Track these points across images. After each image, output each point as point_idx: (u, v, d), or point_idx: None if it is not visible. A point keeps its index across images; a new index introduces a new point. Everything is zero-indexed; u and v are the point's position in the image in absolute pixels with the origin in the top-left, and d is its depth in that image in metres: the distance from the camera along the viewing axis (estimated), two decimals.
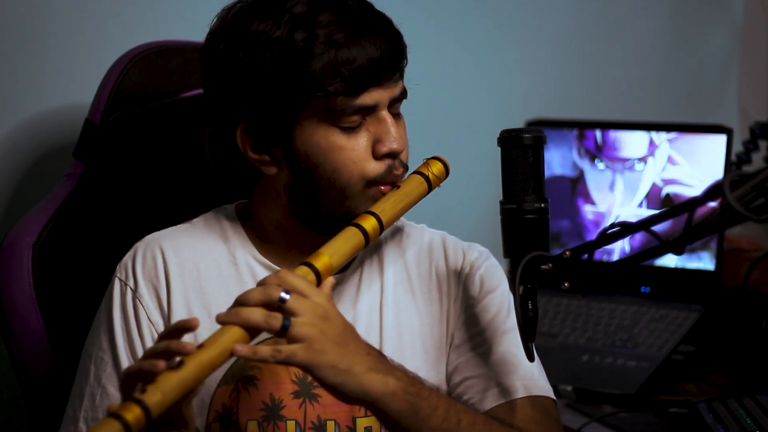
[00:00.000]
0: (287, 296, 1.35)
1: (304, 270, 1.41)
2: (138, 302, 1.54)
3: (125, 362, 1.51)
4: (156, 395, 1.27)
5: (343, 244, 1.46)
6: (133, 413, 1.25)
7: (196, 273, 1.56)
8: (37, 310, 1.67)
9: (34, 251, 1.68)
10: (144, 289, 1.54)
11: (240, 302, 1.36)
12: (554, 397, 1.59)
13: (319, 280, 1.42)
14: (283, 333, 1.34)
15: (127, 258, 1.57)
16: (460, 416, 1.44)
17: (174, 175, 1.79)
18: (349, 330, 1.39)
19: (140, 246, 1.57)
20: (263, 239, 1.58)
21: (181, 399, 1.32)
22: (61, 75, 2.02)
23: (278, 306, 1.35)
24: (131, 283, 1.54)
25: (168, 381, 1.29)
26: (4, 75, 1.96)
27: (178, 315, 1.53)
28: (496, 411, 1.54)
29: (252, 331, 1.34)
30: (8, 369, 1.71)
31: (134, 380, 1.33)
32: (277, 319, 1.34)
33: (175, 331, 1.36)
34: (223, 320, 1.34)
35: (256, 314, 1.34)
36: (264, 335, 1.38)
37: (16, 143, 1.98)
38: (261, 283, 1.38)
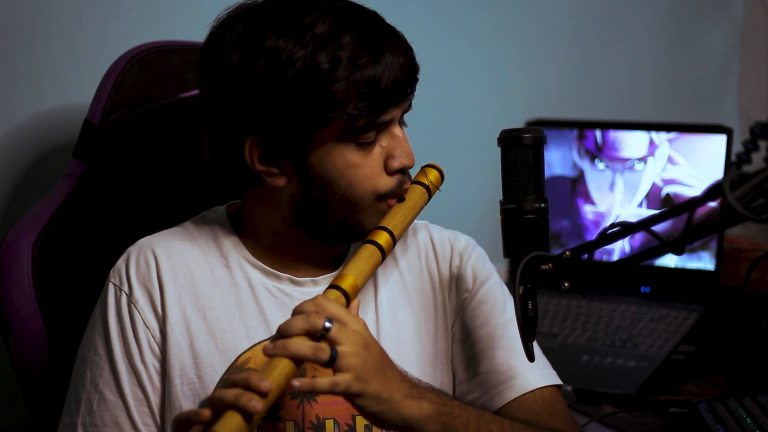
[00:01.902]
0: (330, 325, 1.36)
1: (335, 294, 1.42)
2: (133, 307, 1.53)
3: (122, 367, 1.51)
4: None
5: (365, 264, 1.47)
6: None
7: (189, 276, 1.56)
8: (36, 310, 1.67)
9: (33, 251, 1.68)
10: (139, 294, 1.54)
11: (283, 332, 1.36)
12: (559, 382, 1.60)
13: (347, 301, 1.43)
14: (330, 364, 1.35)
15: (121, 263, 1.56)
16: (490, 427, 1.46)
17: (173, 175, 1.79)
18: (385, 357, 1.41)
19: (133, 250, 1.57)
20: (256, 242, 1.58)
21: None
22: (61, 75, 2.02)
23: (321, 335, 1.36)
24: (125, 287, 1.54)
25: (234, 423, 1.29)
26: (4, 75, 1.96)
27: (172, 318, 1.53)
28: (507, 408, 1.56)
29: (299, 361, 1.35)
30: (8, 369, 1.71)
31: (184, 426, 1.34)
32: (325, 352, 1.35)
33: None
34: (271, 353, 1.35)
35: (304, 347, 1.34)
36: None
37: (16, 143, 1.98)
38: (298, 311, 1.38)
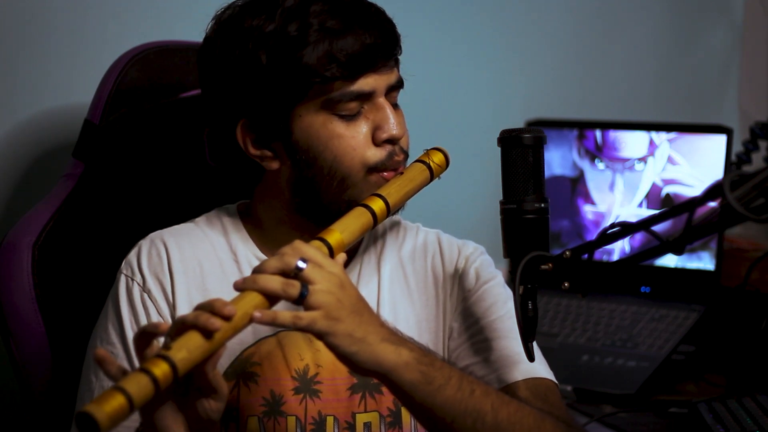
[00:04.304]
0: (304, 265, 1.35)
1: (317, 243, 1.42)
2: (146, 296, 1.55)
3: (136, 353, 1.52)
4: (182, 352, 1.27)
5: (353, 222, 1.46)
6: (160, 368, 1.25)
7: (198, 269, 1.57)
8: (36, 310, 1.67)
9: (33, 251, 1.68)
10: (151, 284, 1.55)
11: (257, 271, 1.36)
12: (555, 381, 1.59)
13: (331, 254, 1.42)
14: (300, 301, 1.34)
15: (132, 255, 1.58)
16: (473, 386, 1.43)
17: (174, 175, 1.79)
18: (362, 301, 1.39)
19: (144, 243, 1.59)
20: (264, 236, 1.59)
21: (205, 361, 1.32)
22: (61, 75, 2.02)
23: (295, 274, 1.35)
24: (138, 278, 1.55)
25: (192, 340, 1.29)
26: (4, 75, 1.96)
27: (181, 310, 1.54)
28: (507, 390, 1.54)
29: (270, 298, 1.35)
30: (8, 369, 1.71)
31: (142, 340, 1.32)
32: (294, 287, 1.34)
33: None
34: (240, 287, 1.34)
35: (273, 281, 1.34)
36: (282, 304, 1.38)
37: (16, 143, 1.98)
38: (277, 254, 1.37)
